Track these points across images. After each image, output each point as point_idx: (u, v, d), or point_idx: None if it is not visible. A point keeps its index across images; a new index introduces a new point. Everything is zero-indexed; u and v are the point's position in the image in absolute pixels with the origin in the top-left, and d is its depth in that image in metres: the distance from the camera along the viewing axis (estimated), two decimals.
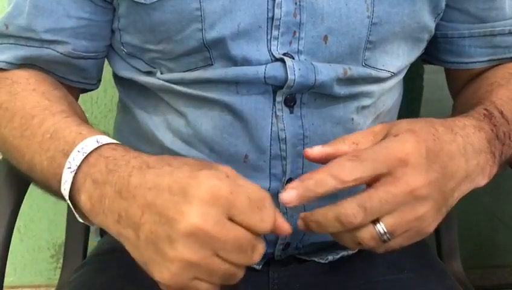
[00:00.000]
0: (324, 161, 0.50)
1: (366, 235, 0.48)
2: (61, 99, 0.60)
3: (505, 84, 0.65)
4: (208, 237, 0.42)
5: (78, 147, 0.50)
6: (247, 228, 0.43)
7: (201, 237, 0.42)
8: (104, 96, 1.17)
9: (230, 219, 0.43)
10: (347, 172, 0.47)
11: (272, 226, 0.44)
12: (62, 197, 0.51)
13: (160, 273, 0.44)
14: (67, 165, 0.50)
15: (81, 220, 0.51)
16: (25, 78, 0.62)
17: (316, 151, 0.51)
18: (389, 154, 0.47)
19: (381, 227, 0.47)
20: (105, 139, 0.51)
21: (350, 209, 0.46)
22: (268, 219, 0.44)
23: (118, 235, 0.46)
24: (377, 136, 0.51)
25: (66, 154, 0.50)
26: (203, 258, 0.42)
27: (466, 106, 0.63)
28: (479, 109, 0.58)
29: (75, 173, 0.49)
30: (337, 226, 0.47)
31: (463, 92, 0.72)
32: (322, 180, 0.47)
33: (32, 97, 0.59)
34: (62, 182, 0.50)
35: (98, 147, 0.50)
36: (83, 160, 0.49)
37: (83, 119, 0.60)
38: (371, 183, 0.48)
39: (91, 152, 0.49)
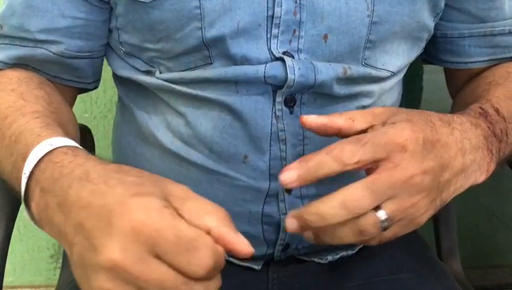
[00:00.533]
0: (318, 130, 0.50)
1: (369, 221, 0.47)
2: (39, 99, 0.59)
3: (503, 82, 0.65)
4: (128, 274, 0.39)
5: (34, 150, 0.48)
6: (177, 270, 0.39)
7: (121, 274, 0.39)
8: (104, 97, 1.17)
9: (159, 257, 0.39)
10: (348, 154, 0.46)
11: (204, 270, 0.39)
12: None
13: None
14: (24, 170, 0.48)
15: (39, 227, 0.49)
16: (9, 78, 0.62)
17: (311, 119, 0.51)
18: (388, 139, 0.47)
19: (382, 213, 0.47)
20: (59, 142, 0.49)
21: (357, 193, 0.46)
22: (197, 262, 0.39)
23: (64, 247, 0.45)
24: (376, 118, 0.51)
25: (24, 159, 0.49)
26: None
27: (464, 105, 0.63)
28: (474, 107, 0.58)
29: (28, 179, 0.48)
30: (342, 214, 0.46)
31: (462, 92, 0.72)
32: (322, 162, 0.47)
33: (9, 97, 0.59)
34: (21, 187, 0.49)
35: (49, 151, 0.48)
36: (35, 165, 0.48)
37: (63, 118, 0.59)
38: (368, 170, 0.48)
39: (43, 157, 0.48)
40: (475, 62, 0.70)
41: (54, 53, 0.63)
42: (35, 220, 0.48)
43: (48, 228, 0.46)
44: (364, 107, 0.65)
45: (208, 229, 0.41)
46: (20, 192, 0.49)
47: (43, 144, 0.49)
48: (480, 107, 0.58)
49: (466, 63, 0.71)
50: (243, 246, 0.41)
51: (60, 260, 0.89)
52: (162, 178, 0.44)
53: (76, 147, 0.49)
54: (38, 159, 0.48)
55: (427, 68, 1.14)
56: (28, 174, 0.48)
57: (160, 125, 0.65)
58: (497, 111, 0.58)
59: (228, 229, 0.41)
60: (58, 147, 0.48)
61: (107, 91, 1.15)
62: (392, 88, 0.68)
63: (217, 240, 0.41)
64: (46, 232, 0.47)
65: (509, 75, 0.67)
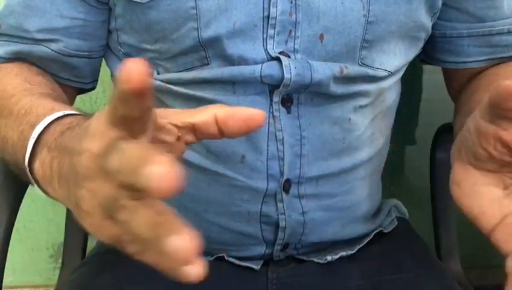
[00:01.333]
0: None
1: None
2: (43, 85, 0.60)
3: None
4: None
5: (45, 119, 0.48)
6: None
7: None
8: (104, 97, 1.17)
9: None
10: None
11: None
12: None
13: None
14: (32, 135, 0.47)
15: (42, 193, 0.47)
16: (10, 67, 0.63)
17: None
18: None
19: None
20: (73, 111, 0.48)
21: None
22: None
23: (67, 201, 0.41)
24: None
25: (33, 127, 0.48)
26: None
27: (472, 103, 0.63)
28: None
29: (35, 142, 0.47)
30: None
31: (465, 91, 0.72)
32: None
33: (14, 80, 0.59)
34: (26, 153, 0.47)
35: (59, 117, 0.47)
36: (45, 128, 0.47)
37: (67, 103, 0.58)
38: None
39: (52, 121, 0.47)
40: (474, 62, 0.70)
41: (52, 50, 0.63)
42: (38, 183, 0.47)
43: (51, 182, 0.43)
44: (361, 106, 0.65)
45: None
46: (23, 160, 0.48)
47: (57, 113, 0.48)
48: None
49: (465, 62, 0.71)
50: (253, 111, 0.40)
51: (60, 260, 0.88)
52: None
53: (86, 114, 0.48)
54: (49, 122, 0.47)
55: (427, 68, 1.14)
56: (36, 137, 0.47)
57: None
58: None
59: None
60: (71, 114, 0.48)
61: (106, 91, 1.15)
62: (390, 87, 0.68)
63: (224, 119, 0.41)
64: (50, 192, 0.45)
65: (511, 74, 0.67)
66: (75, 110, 0.50)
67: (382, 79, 0.65)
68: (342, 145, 0.64)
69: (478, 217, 0.46)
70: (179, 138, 0.42)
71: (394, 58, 0.65)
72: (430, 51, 0.73)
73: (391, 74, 0.66)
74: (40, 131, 0.47)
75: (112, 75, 0.71)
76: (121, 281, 0.63)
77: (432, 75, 1.13)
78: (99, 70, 0.71)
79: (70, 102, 0.70)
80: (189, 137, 0.43)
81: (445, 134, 0.86)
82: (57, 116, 0.47)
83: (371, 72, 0.63)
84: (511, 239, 0.47)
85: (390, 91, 0.69)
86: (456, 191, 0.48)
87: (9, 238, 0.69)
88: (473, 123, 0.46)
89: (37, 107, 0.52)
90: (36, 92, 0.57)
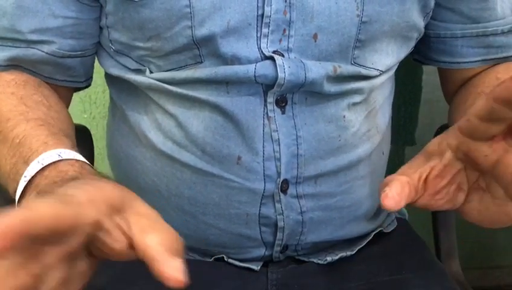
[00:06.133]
0: None
1: None
2: (39, 105, 0.60)
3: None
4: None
5: (39, 157, 0.49)
6: None
7: None
8: (103, 97, 1.16)
9: None
10: None
11: None
12: None
13: None
14: (24, 173, 0.49)
15: None
16: (6, 81, 0.63)
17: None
18: None
19: None
20: (68, 154, 0.49)
21: None
22: None
23: None
24: None
25: (27, 163, 0.49)
26: None
27: (458, 116, 0.63)
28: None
29: (27, 183, 0.48)
30: None
31: (456, 97, 0.73)
32: None
33: (10, 100, 0.60)
34: (17, 189, 0.49)
35: (56, 161, 0.48)
36: (39, 171, 0.48)
37: (63, 124, 0.60)
38: None
39: (48, 165, 0.48)
40: (468, 62, 0.70)
41: (46, 53, 0.63)
42: None
43: None
44: (355, 104, 0.65)
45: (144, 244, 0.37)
46: (14, 192, 0.49)
47: (51, 152, 0.49)
48: None
49: (459, 63, 0.71)
50: (173, 271, 0.36)
51: None
52: (132, 194, 0.41)
53: (84, 161, 0.50)
54: (43, 166, 0.48)
55: (427, 68, 1.14)
56: (28, 178, 0.48)
57: (151, 127, 0.65)
58: None
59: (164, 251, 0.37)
60: (67, 159, 0.49)
61: (105, 91, 1.15)
62: (383, 84, 0.69)
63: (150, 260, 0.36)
64: None
65: (498, 81, 0.67)
66: (68, 146, 0.51)
67: (374, 77, 0.66)
68: (338, 143, 0.64)
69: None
70: (131, 246, 0.37)
71: (386, 57, 0.65)
72: (425, 51, 0.73)
73: (383, 72, 0.66)
74: (32, 174, 0.48)
75: (105, 74, 0.71)
76: (120, 282, 0.63)
77: (432, 76, 1.13)
78: (93, 68, 0.70)
79: (67, 101, 0.71)
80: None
81: None
82: (52, 161, 0.48)
83: (363, 71, 0.64)
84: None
85: (383, 88, 0.69)
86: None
87: None
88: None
89: (31, 139, 0.53)
90: (31, 117, 0.57)
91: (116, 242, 0.37)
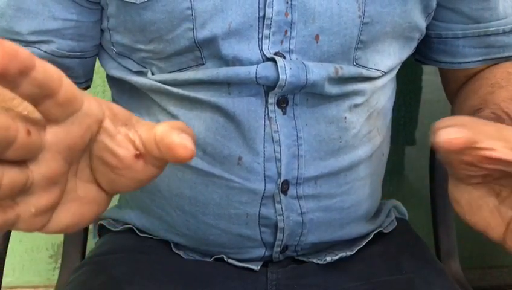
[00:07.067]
0: None
1: None
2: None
3: (506, 85, 0.65)
4: None
5: None
6: None
7: None
8: (103, 97, 1.16)
9: None
10: None
11: None
12: None
13: None
14: None
15: None
16: None
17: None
18: None
19: None
20: None
21: None
22: None
23: None
24: None
25: None
26: None
27: (466, 107, 0.63)
28: (485, 113, 0.58)
29: None
30: None
31: (461, 93, 0.72)
32: None
33: None
34: None
35: None
36: None
37: None
38: None
39: None
40: (469, 62, 0.70)
41: (44, 51, 0.63)
42: None
43: None
44: (357, 105, 0.65)
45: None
46: None
47: None
48: (493, 113, 0.58)
49: (460, 63, 0.71)
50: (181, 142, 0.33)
51: (59, 261, 0.88)
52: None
53: None
54: None
55: (427, 68, 1.14)
56: None
57: None
58: (508, 115, 0.58)
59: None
60: None
61: (106, 92, 1.15)
62: (385, 85, 0.69)
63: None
64: None
65: (510, 76, 0.67)
66: None
67: (376, 79, 0.66)
68: (338, 144, 0.64)
69: (486, 230, 0.46)
70: (138, 156, 0.35)
71: (388, 58, 0.65)
72: (426, 51, 0.73)
73: (385, 74, 0.66)
74: None
75: (107, 76, 0.71)
76: (120, 282, 0.63)
77: (432, 76, 1.13)
78: (93, 69, 0.70)
79: None
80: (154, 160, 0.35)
81: None
82: None
83: (365, 72, 0.63)
84: None
85: (385, 89, 0.69)
86: (458, 208, 0.48)
87: (9, 238, 0.69)
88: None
89: None
90: None
91: (120, 148, 0.34)
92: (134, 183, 0.36)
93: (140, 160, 0.35)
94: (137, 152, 0.35)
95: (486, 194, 0.45)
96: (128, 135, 0.35)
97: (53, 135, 0.32)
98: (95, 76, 0.72)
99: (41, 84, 0.29)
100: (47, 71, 0.30)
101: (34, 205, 0.33)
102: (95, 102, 0.34)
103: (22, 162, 0.31)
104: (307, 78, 0.59)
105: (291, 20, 0.59)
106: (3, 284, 0.66)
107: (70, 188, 0.35)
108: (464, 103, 0.67)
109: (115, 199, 0.87)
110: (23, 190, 0.32)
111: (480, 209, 0.45)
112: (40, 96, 0.30)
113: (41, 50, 0.63)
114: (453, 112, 0.73)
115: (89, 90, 0.73)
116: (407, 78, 1.18)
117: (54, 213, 0.34)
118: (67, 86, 0.31)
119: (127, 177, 0.35)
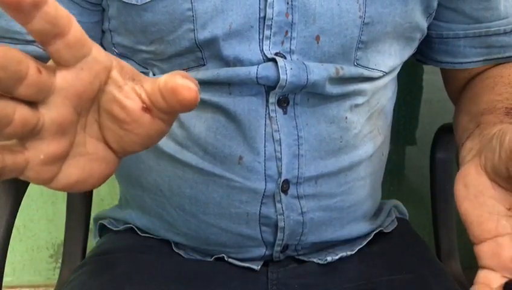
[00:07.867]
0: None
1: None
2: None
3: None
4: None
5: None
6: None
7: None
8: None
9: None
10: None
11: None
12: None
13: None
14: None
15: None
16: None
17: None
18: None
19: None
20: None
21: None
22: None
23: None
24: None
25: None
26: None
27: (474, 106, 0.62)
28: (499, 108, 0.58)
29: None
30: None
31: (466, 92, 0.71)
32: None
33: None
34: None
35: None
36: None
37: None
38: None
39: None
40: (470, 62, 0.70)
41: (44, 50, 0.63)
42: None
43: None
44: (357, 105, 0.65)
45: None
46: None
47: None
48: (506, 108, 0.58)
49: (461, 63, 0.71)
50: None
51: (60, 260, 0.89)
52: None
53: None
54: None
55: (427, 68, 1.14)
56: None
57: None
58: None
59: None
60: None
61: None
62: (386, 86, 0.69)
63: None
64: None
65: None
66: None
67: (377, 79, 0.66)
68: (339, 144, 0.64)
69: (473, 224, 0.46)
70: (145, 109, 0.36)
71: (389, 58, 0.65)
72: (427, 51, 0.73)
73: (386, 74, 0.66)
74: None
75: None
76: (120, 281, 0.63)
77: (432, 75, 1.14)
78: None
79: None
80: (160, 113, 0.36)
81: (445, 134, 0.86)
82: None
83: (366, 72, 0.64)
84: (494, 258, 0.47)
85: (386, 89, 0.69)
86: (460, 191, 0.48)
87: (10, 237, 0.69)
88: (509, 138, 0.44)
89: None
90: None
91: (128, 99, 0.35)
92: (142, 140, 0.37)
93: (147, 113, 0.36)
94: (144, 105, 0.35)
95: (499, 198, 0.46)
96: (134, 88, 0.36)
97: (63, 79, 0.34)
98: None
99: (52, 20, 0.31)
100: (58, 9, 0.31)
101: (43, 152, 0.34)
102: (104, 51, 0.35)
103: (33, 104, 0.32)
104: (307, 79, 0.59)
105: (292, 21, 0.59)
106: (3, 284, 0.66)
107: (79, 142, 0.36)
108: (472, 102, 0.66)
109: (116, 199, 0.87)
110: (34, 132, 0.33)
111: (483, 206, 0.46)
112: (51, 35, 0.32)
113: (41, 49, 0.63)
114: (457, 114, 0.73)
115: None
116: (408, 78, 1.18)
117: (63, 166, 0.35)
118: (76, 27, 0.33)
119: (135, 133, 0.36)
